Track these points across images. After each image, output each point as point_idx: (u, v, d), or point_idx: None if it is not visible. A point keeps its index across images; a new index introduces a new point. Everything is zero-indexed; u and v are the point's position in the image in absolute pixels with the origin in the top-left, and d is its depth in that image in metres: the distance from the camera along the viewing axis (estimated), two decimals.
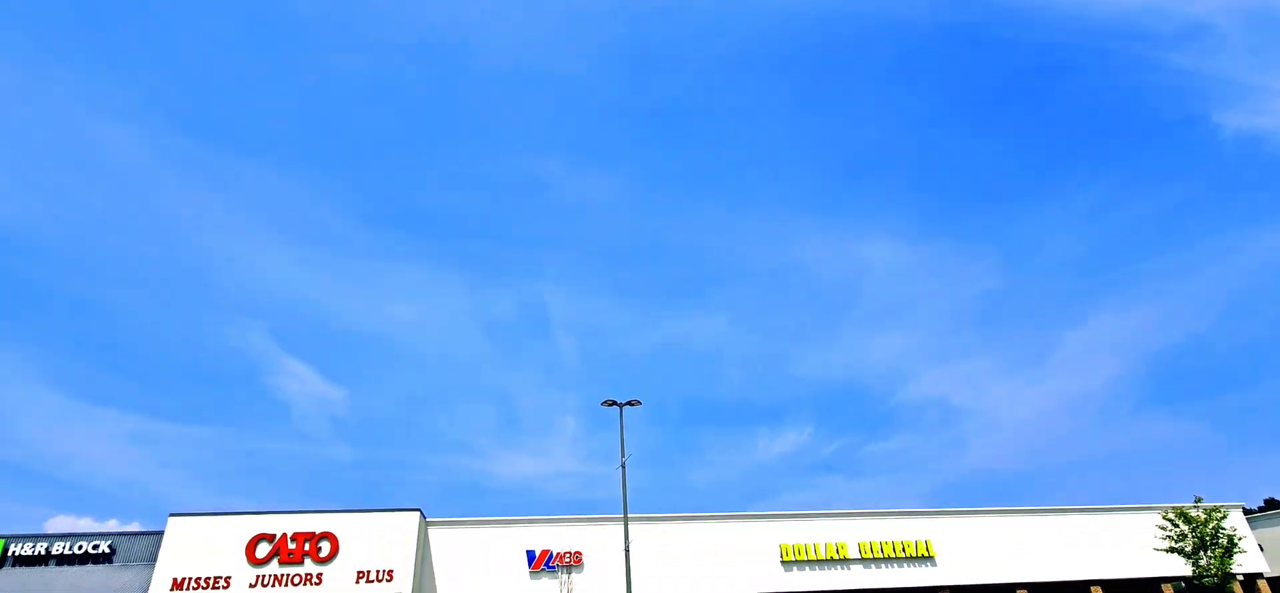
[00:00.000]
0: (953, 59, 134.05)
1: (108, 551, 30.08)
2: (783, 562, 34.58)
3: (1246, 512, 42.61)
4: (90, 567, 29.70)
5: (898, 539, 35.65)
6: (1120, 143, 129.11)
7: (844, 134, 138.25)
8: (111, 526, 50.61)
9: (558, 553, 32.79)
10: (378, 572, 29.52)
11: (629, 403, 27.69)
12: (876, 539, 35.55)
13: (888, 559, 35.31)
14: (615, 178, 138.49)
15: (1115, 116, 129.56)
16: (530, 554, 32.66)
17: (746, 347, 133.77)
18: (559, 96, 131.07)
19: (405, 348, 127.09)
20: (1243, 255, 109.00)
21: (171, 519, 29.66)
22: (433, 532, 32.78)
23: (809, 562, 34.72)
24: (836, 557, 34.87)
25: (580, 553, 32.91)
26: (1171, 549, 31.45)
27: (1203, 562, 30.44)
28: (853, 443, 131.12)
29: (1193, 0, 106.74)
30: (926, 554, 35.50)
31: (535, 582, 32.26)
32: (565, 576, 32.25)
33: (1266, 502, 62.78)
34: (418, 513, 31.33)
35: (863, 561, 35.13)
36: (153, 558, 29.46)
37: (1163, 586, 36.68)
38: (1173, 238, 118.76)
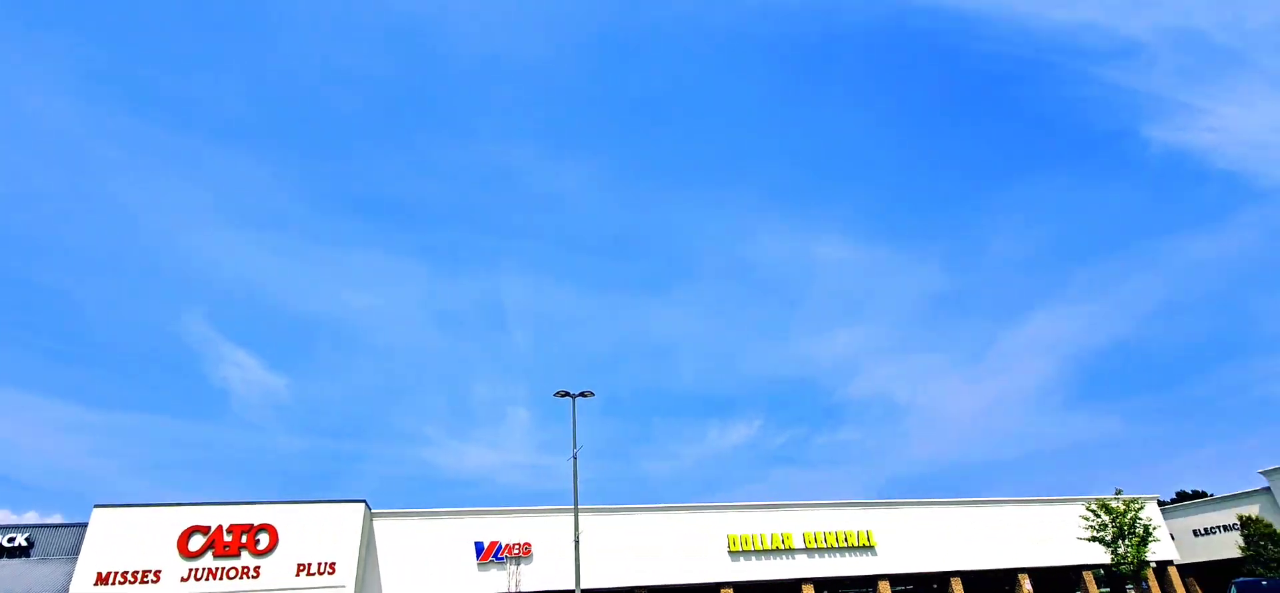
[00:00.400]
0: (907, 66, 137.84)
1: (24, 544, 28.38)
2: (730, 552, 35.15)
3: (1161, 503, 45.45)
4: (4, 562, 27.96)
5: (841, 530, 36.69)
6: (1060, 152, 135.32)
7: (806, 135, 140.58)
8: (30, 518, 47.69)
9: (507, 544, 32.55)
10: (319, 565, 28.70)
11: (581, 394, 27.62)
12: (820, 530, 36.49)
13: (831, 549, 36.29)
14: (585, 169, 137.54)
15: (1055, 127, 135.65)
16: (479, 546, 32.32)
17: (703, 341, 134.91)
18: (532, 85, 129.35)
19: (358, 336, 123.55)
20: (1165, 265, 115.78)
21: (96, 511, 28.14)
22: (379, 524, 32.08)
23: (756, 552, 35.40)
24: (782, 547, 35.65)
25: (530, 544, 32.74)
26: (1093, 538, 33.31)
27: (1120, 550, 32.35)
28: (801, 435, 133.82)
29: (1127, 20, 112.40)
30: (867, 544, 36.65)
31: (483, 573, 31.96)
32: (514, 567, 32.06)
33: (1178, 495, 67.09)
34: (363, 504, 30.59)
35: (807, 550, 36.02)
36: (75, 552, 27.92)
37: (1084, 572, 38.84)
38: (1104, 245, 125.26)
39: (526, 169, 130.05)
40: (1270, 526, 38.19)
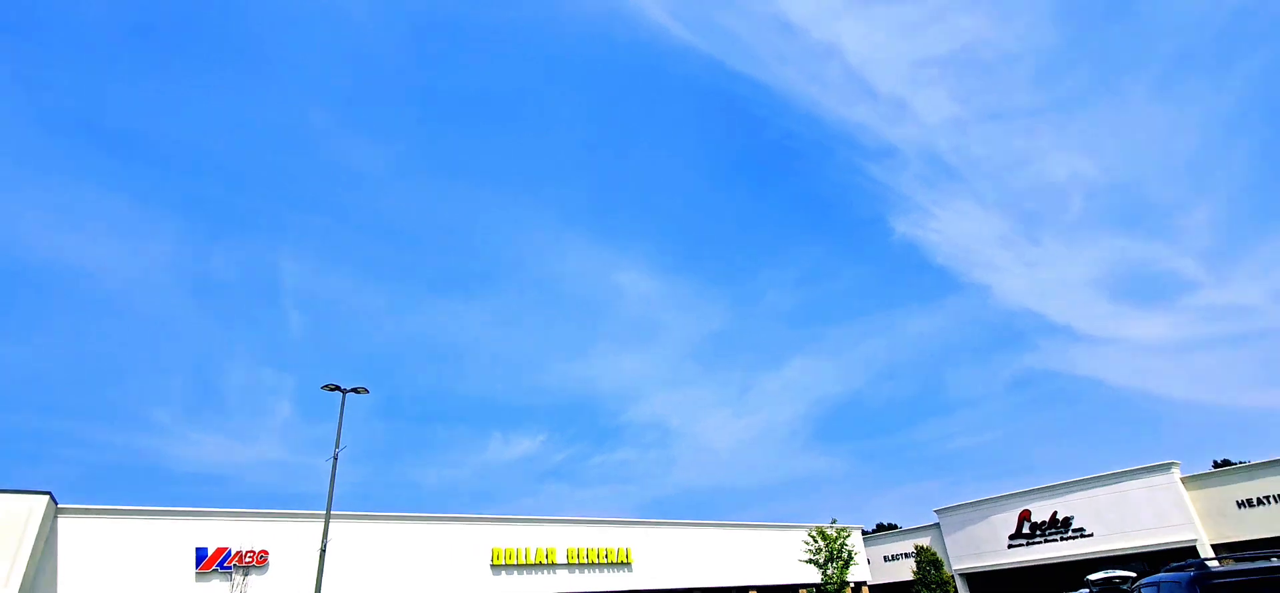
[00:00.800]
0: (721, 125, 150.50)
1: None
2: (493, 565, 34.78)
3: (864, 533, 54.28)
4: None
5: (602, 546, 38.26)
6: (828, 226, 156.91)
7: (622, 166, 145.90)
8: None
9: (238, 552, 28.76)
10: None
11: (354, 390, 25.68)
12: (584, 546, 37.69)
13: (592, 565, 37.62)
14: (392, 150, 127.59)
15: (827, 204, 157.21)
16: (201, 552, 28.13)
17: (498, 348, 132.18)
18: (343, 41, 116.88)
19: (75, 290, 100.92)
20: (891, 333, 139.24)
21: None
22: (66, 522, 26.42)
23: (519, 566, 35.44)
24: (546, 562, 36.14)
25: (267, 552, 29.28)
26: (809, 561, 38.74)
27: (829, 571, 38.02)
28: (581, 453, 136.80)
29: (890, 128, 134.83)
30: (625, 561, 38.65)
31: (202, 584, 27.84)
32: (240, 577, 28.40)
33: (877, 525, 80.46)
34: (46, 497, 24.97)
35: (569, 566, 36.93)
36: None
37: (801, 590, 44.90)
38: (850, 311, 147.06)
39: (325, 135, 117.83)
40: (934, 553, 47.52)
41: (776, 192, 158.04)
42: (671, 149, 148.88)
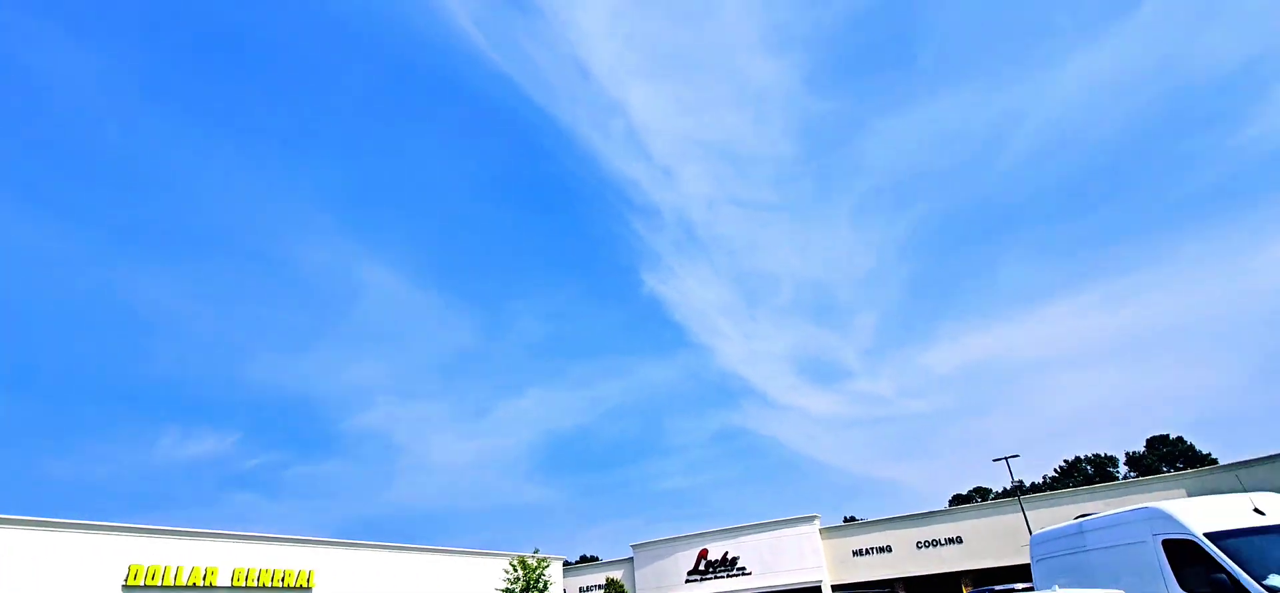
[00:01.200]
0: (507, 146, 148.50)
1: None
2: (127, 586, 28.76)
3: (566, 564, 56.27)
4: None
5: (279, 568, 34.06)
6: (589, 267, 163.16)
7: (393, 155, 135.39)
8: None
9: None
10: None
11: None
12: (256, 566, 33.18)
13: (265, 588, 33.23)
14: (104, 61, 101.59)
15: (596, 245, 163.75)
16: None
17: (197, 325, 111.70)
18: None
19: None
20: (627, 376, 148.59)
21: None
22: None
23: (166, 588, 29.82)
24: (202, 584, 30.97)
25: None
26: (506, 591, 38.95)
27: None
28: (280, 461, 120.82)
29: (657, 190, 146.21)
30: (305, 586, 34.85)
31: None
32: None
33: (581, 557, 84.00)
34: None
35: (235, 588, 32.14)
36: None
37: None
38: (593, 350, 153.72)
39: (23, 42, 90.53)
40: (623, 586, 51.10)
41: (546, 224, 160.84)
42: (449, 154, 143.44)
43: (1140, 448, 67.59)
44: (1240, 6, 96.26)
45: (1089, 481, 66.06)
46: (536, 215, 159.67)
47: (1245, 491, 14.93)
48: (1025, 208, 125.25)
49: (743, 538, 49.95)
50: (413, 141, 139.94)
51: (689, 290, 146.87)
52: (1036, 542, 16.69)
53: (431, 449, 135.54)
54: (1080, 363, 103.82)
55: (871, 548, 45.00)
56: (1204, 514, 11.32)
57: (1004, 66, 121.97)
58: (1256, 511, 11.04)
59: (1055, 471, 72.71)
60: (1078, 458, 71.73)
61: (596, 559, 70.67)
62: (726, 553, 50.04)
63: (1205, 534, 10.87)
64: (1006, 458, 38.14)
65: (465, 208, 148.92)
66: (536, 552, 40.48)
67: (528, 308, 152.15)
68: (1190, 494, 34.29)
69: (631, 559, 55.72)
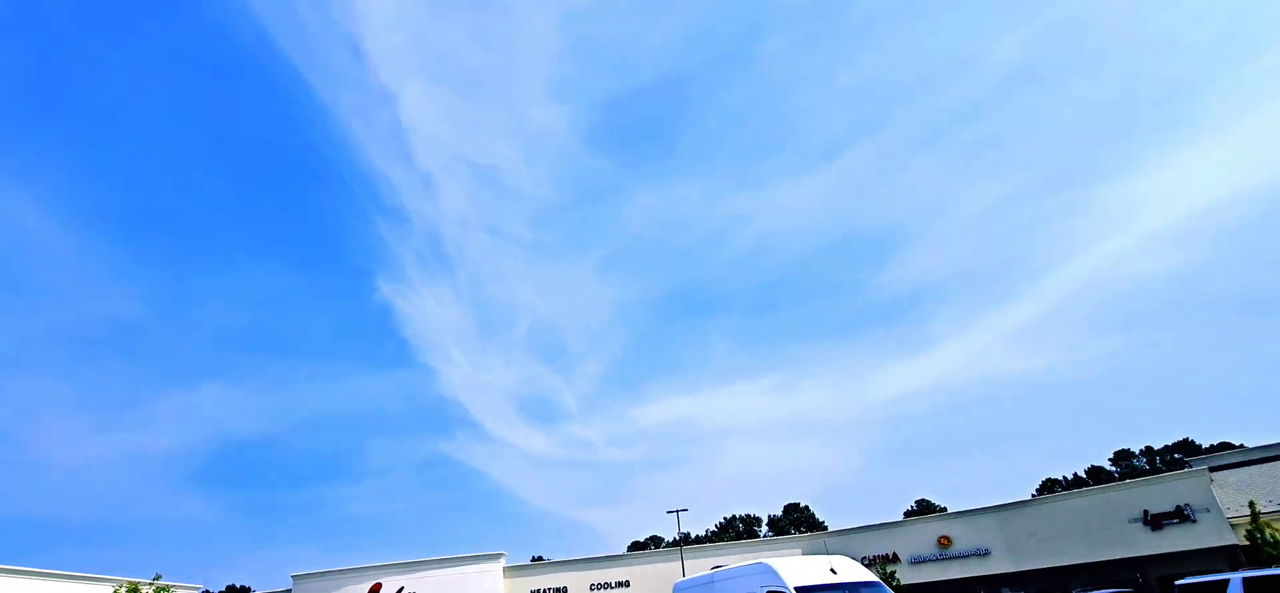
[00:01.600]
0: (237, 95, 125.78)
1: None
2: None
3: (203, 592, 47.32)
4: None
5: None
6: (316, 260, 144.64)
7: (93, 82, 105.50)
8: None
9: None
10: None
11: None
12: None
13: None
14: None
15: (327, 237, 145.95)
16: None
17: None
18: None
19: None
20: (338, 387, 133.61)
21: None
22: None
23: None
24: None
25: None
26: None
27: None
28: None
29: (412, 198, 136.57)
30: None
31: None
32: None
33: (228, 587, 71.75)
34: None
35: None
36: None
37: None
38: (304, 350, 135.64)
39: None
40: None
41: (270, 198, 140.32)
42: (157, 79, 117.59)
43: (779, 511, 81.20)
44: (899, 179, 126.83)
45: (739, 536, 76.98)
46: (262, 187, 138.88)
47: (829, 553, 18.72)
48: (734, 296, 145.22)
49: (423, 573, 47.39)
50: (118, 70, 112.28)
51: (424, 307, 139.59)
52: (677, 588, 18.89)
53: (51, 444, 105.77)
54: (752, 435, 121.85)
55: (550, 589, 46.17)
56: (797, 571, 13.99)
57: (747, 167, 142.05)
58: (831, 570, 13.91)
59: (716, 525, 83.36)
60: (733, 516, 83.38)
61: (248, 591, 61.00)
62: (402, 589, 46.87)
63: (795, 587, 13.35)
64: (677, 511, 42.69)
65: (166, 152, 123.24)
66: (157, 578, 33.40)
67: (225, 287, 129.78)
68: (805, 552, 41.99)
69: (290, 592, 49.15)
